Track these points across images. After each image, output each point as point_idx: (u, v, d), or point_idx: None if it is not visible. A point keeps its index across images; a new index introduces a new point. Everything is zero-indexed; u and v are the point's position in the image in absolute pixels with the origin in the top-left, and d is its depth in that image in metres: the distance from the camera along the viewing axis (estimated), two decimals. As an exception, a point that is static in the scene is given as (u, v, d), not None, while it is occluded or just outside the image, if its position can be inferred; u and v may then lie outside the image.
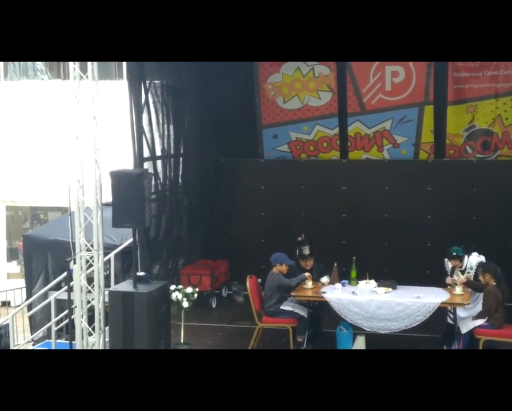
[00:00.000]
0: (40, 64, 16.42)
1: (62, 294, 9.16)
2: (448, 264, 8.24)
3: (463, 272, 8.08)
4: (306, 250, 8.57)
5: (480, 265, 7.91)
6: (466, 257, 8.12)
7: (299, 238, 8.88)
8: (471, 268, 8.10)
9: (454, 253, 8.04)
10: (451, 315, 7.93)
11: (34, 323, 10.30)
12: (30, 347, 9.55)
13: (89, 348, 7.79)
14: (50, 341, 8.89)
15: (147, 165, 9.34)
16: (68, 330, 8.22)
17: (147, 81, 9.38)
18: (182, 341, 8.15)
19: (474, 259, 8.12)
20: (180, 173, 10.47)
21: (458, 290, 7.83)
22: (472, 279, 8.02)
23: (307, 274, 8.22)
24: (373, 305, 7.69)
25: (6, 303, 13.38)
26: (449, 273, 8.20)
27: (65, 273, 8.74)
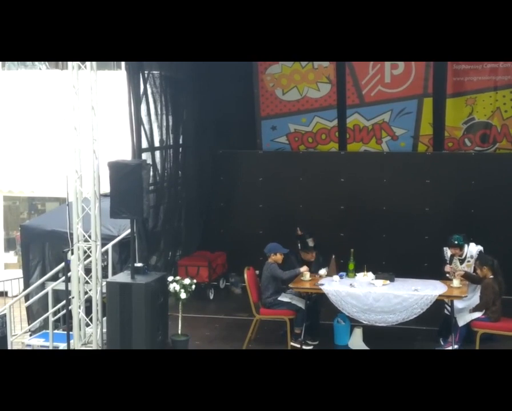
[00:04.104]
0: (38, 54, 16.33)
1: (59, 284, 9.15)
2: (448, 253, 8.27)
3: (462, 261, 8.12)
4: (311, 242, 8.58)
5: (477, 258, 7.93)
6: (466, 246, 8.15)
7: (299, 232, 8.87)
8: (471, 257, 8.14)
9: (456, 242, 8.07)
10: (449, 308, 7.93)
11: (31, 314, 10.29)
12: (27, 337, 9.55)
13: (86, 339, 7.79)
14: (47, 331, 8.88)
15: (145, 156, 9.32)
16: (66, 321, 8.21)
17: (146, 72, 9.35)
18: (179, 332, 8.14)
19: (474, 248, 8.16)
20: (179, 164, 10.45)
21: (456, 282, 7.84)
22: (472, 268, 8.06)
23: (301, 268, 8.22)
24: (371, 297, 7.69)
25: (3, 294, 13.34)
26: (448, 261, 8.22)
27: (63, 264, 8.74)
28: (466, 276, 7.92)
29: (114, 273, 9.03)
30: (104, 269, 8.86)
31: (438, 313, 8.06)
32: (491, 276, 7.69)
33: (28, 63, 16.29)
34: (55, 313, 9.20)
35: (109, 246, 9.38)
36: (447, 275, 8.13)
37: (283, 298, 8.22)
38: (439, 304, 7.86)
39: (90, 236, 7.61)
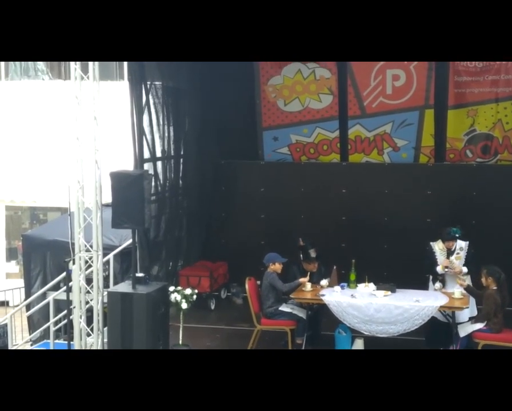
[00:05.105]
0: (41, 64, 16.43)
1: (60, 294, 9.16)
2: (435, 247, 8.26)
3: (452, 253, 8.12)
4: (313, 253, 8.56)
5: (486, 267, 7.83)
6: None
7: (301, 243, 8.87)
8: (461, 249, 8.17)
9: (457, 235, 8.08)
10: (448, 317, 7.90)
11: (32, 324, 10.29)
12: (28, 347, 9.54)
13: (87, 348, 7.78)
14: (48, 341, 8.88)
15: (147, 166, 9.35)
16: (67, 331, 8.21)
17: (148, 83, 9.39)
18: (180, 342, 8.14)
19: (463, 242, 8.17)
20: (180, 174, 10.48)
21: (457, 294, 7.83)
22: (463, 260, 8.09)
23: (301, 280, 8.21)
24: (372, 308, 7.68)
25: (4, 303, 13.36)
26: (436, 256, 8.19)
27: (64, 274, 8.73)
28: (468, 290, 7.89)
29: (115, 283, 9.03)
30: (106, 279, 8.87)
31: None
32: (495, 288, 7.66)
33: (31, 73, 16.35)
34: (56, 323, 9.20)
35: (110, 256, 9.38)
36: (445, 270, 8.10)
37: (284, 308, 8.22)
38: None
39: (91, 246, 7.61)
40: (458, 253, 8.16)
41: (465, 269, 8.10)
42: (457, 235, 8.10)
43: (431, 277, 8.37)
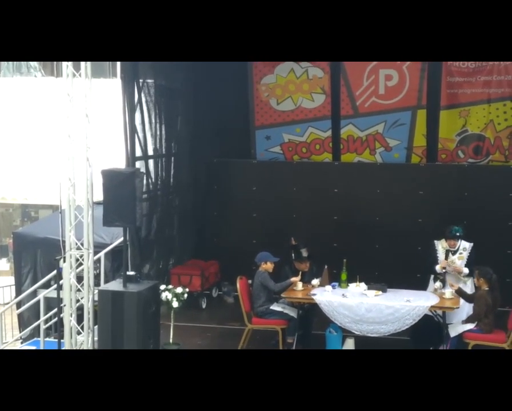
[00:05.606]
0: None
1: (51, 292, 9.14)
2: (439, 246, 8.27)
3: (455, 252, 8.13)
4: (305, 252, 8.56)
5: (478, 268, 7.86)
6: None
7: (293, 242, 8.86)
8: (464, 249, 8.18)
9: (458, 233, 8.09)
10: (438, 317, 7.92)
11: (23, 321, 10.26)
12: (18, 345, 9.51)
13: (77, 347, 7.76)
14: (38, 339, 8.85)
15: (139, 164, 9.33)
16: (57, 329, 8.18)
17: (141, 81, 9.37)
18: (171, 341, 8.13)
19: (467, 242, 8.20)
20: (172, 173, 10.46)
21: (448, 294, 7.85)
22: (464, 261, 8.10)
23: (292, 279, 8.21)
24: (363, 308, 7.69)
25: (-5, 301, 13.32)
26: (438, 256, 8.21)
27: (55, 271, 8.71)
28: (459, 292, 7.91)
29: (106, 281, 9.02)
30: (97, 277, 8.83)
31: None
32: (486, 288, 7.68)
33: (23, 70, 16.31)
34: (46, 321, 9.17)
35: (101, 254, 9.37)
36: (443, 270, 8.10)
37: (276, 307, 8.22)
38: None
39: (82, 244, 7.59)
40: (460, 253, 8.19)
41: (466, 270, 8.12)
42: (458, 233, 8.11)
43: (432, 276, 8.38)
